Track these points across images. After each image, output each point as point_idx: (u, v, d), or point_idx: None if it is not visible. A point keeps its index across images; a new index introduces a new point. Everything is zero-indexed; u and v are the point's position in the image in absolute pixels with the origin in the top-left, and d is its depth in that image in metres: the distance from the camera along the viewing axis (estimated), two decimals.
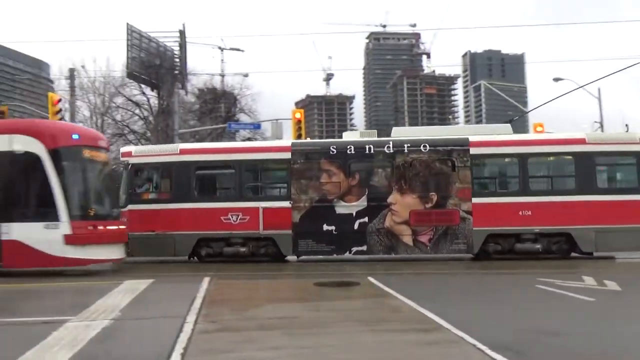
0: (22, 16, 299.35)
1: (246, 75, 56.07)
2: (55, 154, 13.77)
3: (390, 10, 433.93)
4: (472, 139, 16.52)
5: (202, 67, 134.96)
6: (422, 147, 16.35)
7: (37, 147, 13.73)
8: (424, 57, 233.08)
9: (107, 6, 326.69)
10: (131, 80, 47.89)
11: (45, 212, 13.65)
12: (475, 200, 16.12)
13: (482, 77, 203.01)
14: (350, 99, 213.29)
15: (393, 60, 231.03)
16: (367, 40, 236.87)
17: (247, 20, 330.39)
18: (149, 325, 7.96)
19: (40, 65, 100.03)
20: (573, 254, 16.22)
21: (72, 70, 33.50)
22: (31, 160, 13.69)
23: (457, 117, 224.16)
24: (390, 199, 16.23)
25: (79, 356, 6.27)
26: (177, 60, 52.02)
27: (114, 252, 14.49)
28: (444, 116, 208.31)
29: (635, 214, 15.75)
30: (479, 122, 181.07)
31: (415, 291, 10.58)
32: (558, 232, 15.99)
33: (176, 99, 41.75)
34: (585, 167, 16.14)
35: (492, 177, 17.93)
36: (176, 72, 50.05)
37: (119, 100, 45.67)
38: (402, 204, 16.17)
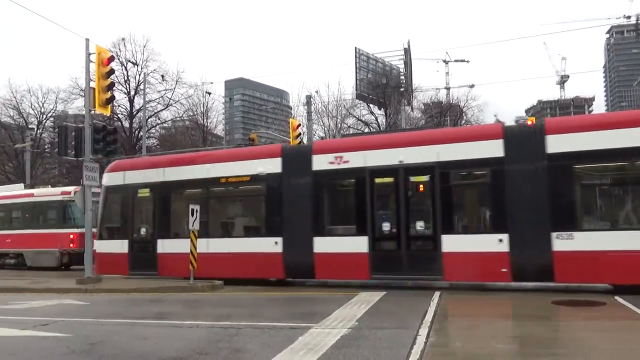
0: (266, 52, 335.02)
1: (472, 87, 55.35)
2: None
3: None
4: None
5: (427, 82, 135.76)
6: None
7: None
8: None
9: (338, 32, 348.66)
10: (360, 101, 50.53)
11: None
12: None
13: None
14: (589, 101, 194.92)
15: None
16: (607, 35, 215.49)
17: (472, 30, 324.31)
18: (383, 335, 8.29)
19: (281, 95, 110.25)
20: None
21: (308, 97, 36.48)
22: None
23: None
24: None
25: None
26: (403, 77, 53.41)
27: None
28: None
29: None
30: None
31: None
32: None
33: (403, 115, 42.90)
34: None
35: None
36: (402, 89, 51.38)
37: (350, 121, 48.52)
38: None
